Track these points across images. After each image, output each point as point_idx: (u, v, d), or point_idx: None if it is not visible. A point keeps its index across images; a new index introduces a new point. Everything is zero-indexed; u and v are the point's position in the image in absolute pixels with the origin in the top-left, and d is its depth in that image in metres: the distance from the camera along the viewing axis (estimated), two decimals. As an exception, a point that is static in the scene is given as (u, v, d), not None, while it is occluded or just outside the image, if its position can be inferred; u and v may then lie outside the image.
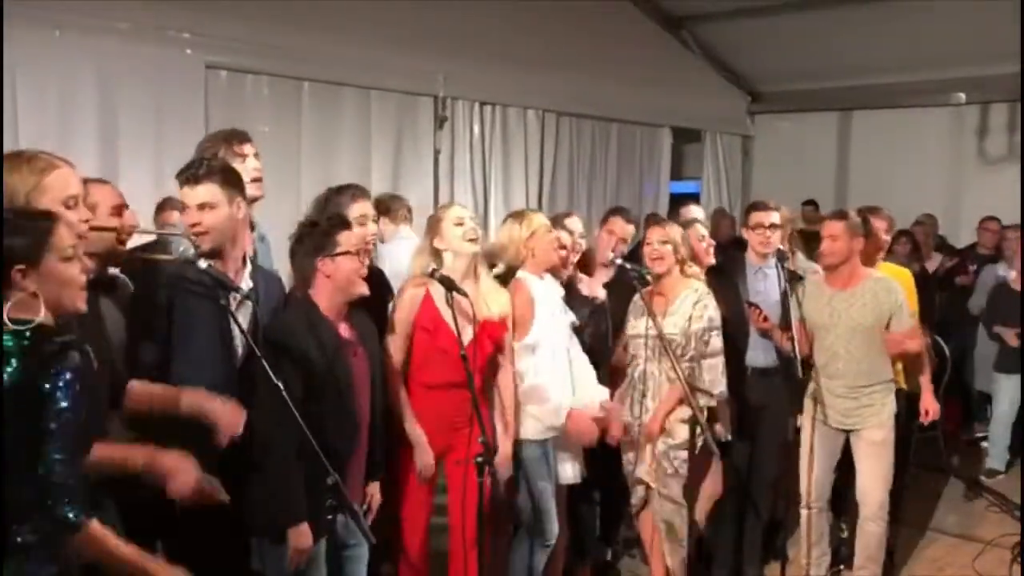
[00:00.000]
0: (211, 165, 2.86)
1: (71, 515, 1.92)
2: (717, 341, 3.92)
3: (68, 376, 1.91)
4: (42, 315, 2.00)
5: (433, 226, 3.56)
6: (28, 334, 1.94)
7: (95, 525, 1.96)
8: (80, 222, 2.29)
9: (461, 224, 3.49)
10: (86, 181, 3.02)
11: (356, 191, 3.57)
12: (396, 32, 6.28)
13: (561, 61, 7.25)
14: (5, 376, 1.90)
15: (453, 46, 6.64)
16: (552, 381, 3.67)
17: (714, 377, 3.90)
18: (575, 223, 4.21)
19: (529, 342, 3.65)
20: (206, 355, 2.79)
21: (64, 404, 1.90)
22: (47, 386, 1.90)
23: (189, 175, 2.83)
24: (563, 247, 3.95)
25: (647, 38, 8.17)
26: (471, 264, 3.52)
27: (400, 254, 3.83)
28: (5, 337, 1.93)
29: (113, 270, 2.95)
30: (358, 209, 3.47)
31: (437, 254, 3.50)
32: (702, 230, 4.48)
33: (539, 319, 3.67)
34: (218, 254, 2.85)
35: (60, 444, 1.91)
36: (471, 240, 3.49)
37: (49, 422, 1.89)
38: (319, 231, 3.02)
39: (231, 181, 2.87)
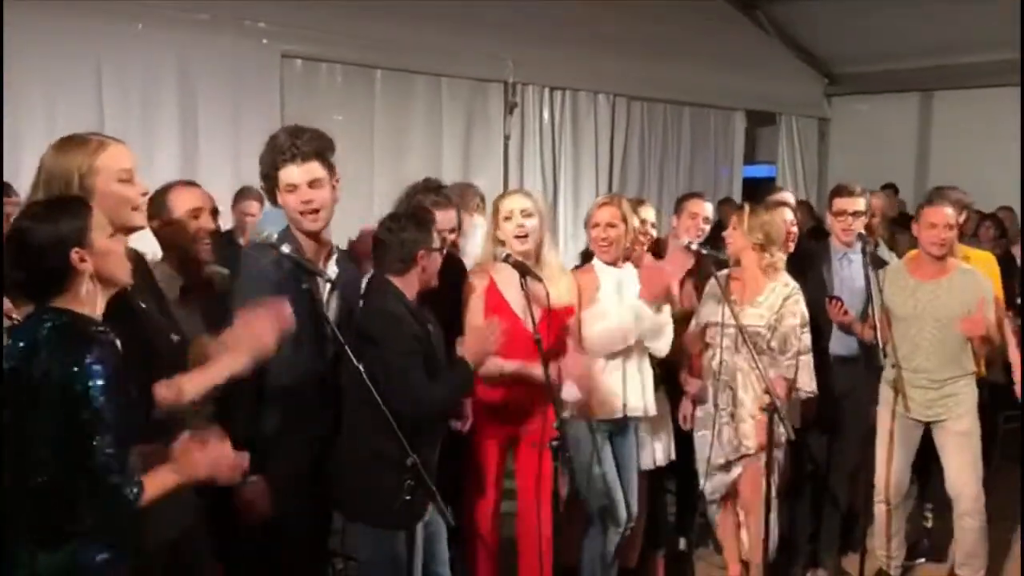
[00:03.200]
0: (312, 143, 2.87)
1: (130, 494, 1.93)
2: (807, 337, 3.85)
3: (99, 368, 1.91)
4: (89, 304, 2.01)
5: (493, 215, 3.57)
6: (60, 325, 1.95)
7: (149, 485, 1.96)
8: (138, 195, 2.30)
9: (509, 219, 3.47)
10: (171, 186, 3.11)
11: (439, 200, 3.55)
12: (466, 19, 6.31)
13: (632, 44, 7.19)
14: (39, 368, 1.91)
15: (522, 32, 6.64)
16: (606, 370, 3.64)
17: (806, 374, 3.84)
18: (648, 212, 4.15)
19: (587, 315, 3.64)
20: (301, 344, 2.81)
21: (102, 399, 1.90)
22: (78, 384, 1.89)
23: (295, 152, 2.83)
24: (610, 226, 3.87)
25: (720, 19, 8.04)
26: (529, 254, 3.49)
27: (477, 247, 3.86)
28: (40, 328, 1.94)
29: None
30: (442, 221, 3.48)
31: (500, 242, 3.48)
32: (788, 215, 4.31)
33: (601, 304, 3.65)
34: (316, 236, 2.89)
35: (109, 437, 1.91)
36: (519, 237, 3.45)
37: (92, 417, 1.90)
38: (424, 224, 3.05)
39: (329, 161, 2.91)
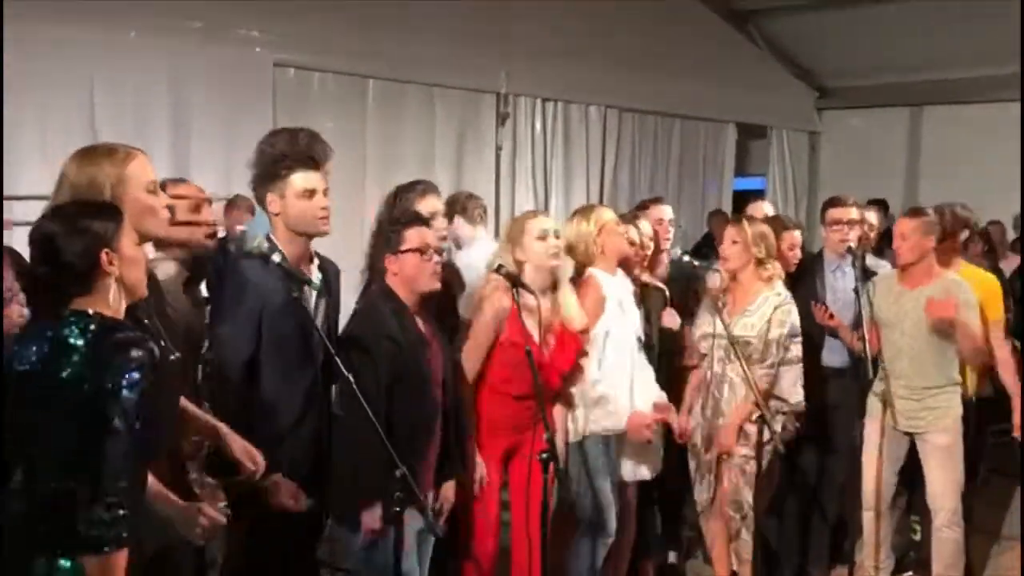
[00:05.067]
0: (319, 146, 2.93)
1: (117, 531, 1.86)
2: (797, 348, 3.84)
3: (135, 375, 1.88)
4: (113, 308, 1.99)
5: (515, 237, 3.47)
6: (93, 327, 1.93)
7: (120, 558, 1.89)
8: (163, 205, 2.32)
9: (544, 239, 3.42)
10: (165, 183, 3.15)
11: (425, 186, 3.57)
12: (459, 30, 6.33)
13: (624, 57, 7.22)
14: (67, 370, 1.88)
15: (515, 43, 6.66)
16: (614, 380, 3.65)
17: (791, 385, 3.83)
18: (645, 225, 4.15)
19: (594, 333, 3.62)
20: (293, 352, 2.82)
21: (134, 407, 1.87)
22: (110, 385, 1.86)
23: (316, 157, 2.86)
24: (632, 243, 3.91)
25: (712, 33, 8.09)
26: (551, 275, 3.48)
27: (479, 259, 3.83)
28: (69, 330, 1.92)
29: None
30: (427, 205, 3.46)
31: (518, 264, 3.43)
32: (798, 236, 4.37)
33: (608, 313, 3.64)
34: (305, 244, 2.90)
35: (125, 446, 1.87)
36: (554, 255, 3.42)
37: (119, 423, 1.86)
38: (388, 228, 3.05)
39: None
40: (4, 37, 4.07)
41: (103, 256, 1.97)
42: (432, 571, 3.22)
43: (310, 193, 2.83)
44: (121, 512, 1.87)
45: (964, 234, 4.38)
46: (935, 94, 8.29)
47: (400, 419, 2.89)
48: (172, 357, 2.32)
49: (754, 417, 3.64)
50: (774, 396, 3.81)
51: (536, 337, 3.23)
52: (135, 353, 1.90)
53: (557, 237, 3.46)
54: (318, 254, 3.04)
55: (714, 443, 3.84)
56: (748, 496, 3.79)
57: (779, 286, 3.89)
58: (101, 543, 1.86)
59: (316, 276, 2.96)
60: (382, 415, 2.69)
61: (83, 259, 1.96)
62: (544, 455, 3.03)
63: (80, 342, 1.90)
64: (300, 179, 2.83)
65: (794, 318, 3.84)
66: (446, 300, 3.48)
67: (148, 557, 2.06)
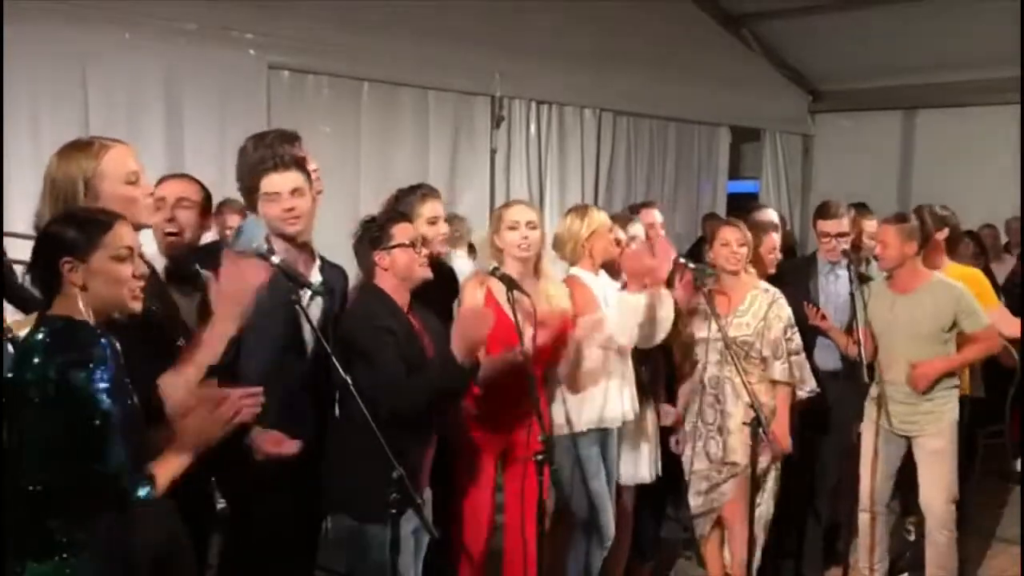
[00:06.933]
0: (292, 155, 2.95)
1: (142, 493, 1.93)
2: (798, 338, 3.91)
3: (101, 371, 1.89)
4: (81, 315, 1.99)
5: (495, 223, 3.55)
6: (55, 329, 1.93)
7: (160, 476, 1.97)
8: (145, 195, 2.32)
9: (515, 229, 3.47)
10: (165, 178, 3.17)
11: (426, 190, 3.59)
12: (454, 32, 6.32)
13: (618, 60, 7.22)
14: (29, 372, 1.89)
15: (510, 45, 6.65)
16: (599, 378, 3.64)
17: (803, 374, 3.88)
18: (637, 228, 4.15)
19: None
20: (277, 350, 2.83)
21: (109, 401, 1.89)
22: (82, 388, 1.87)
23: (278, 161, 2.90)
24: (619, 243, 3.91)
25: (706, 36, 8.09)
26: (528, 264, 3.51)
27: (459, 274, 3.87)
28: (35, 335, 1.93)
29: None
30: (429, 209, 3.48)
31: (499, 251, 3.50)
32: (777, 239, 4.40)
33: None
34: (297, 243, 2.91)
35: (119, 438, 1.90)
36: (521, 247, 3.45)
37: (102, 420, 1.88)
38: (374, 226, 3.07)
39: (307, 172, 2.96)
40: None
41: (61, 267, 1.97)
42: (425, 572, 3.22)
43: (275, 196, 2.88)
44: (138, 485, 1.93)
45: (943, 233, 4.39)
46: (928, 97, 8.30)
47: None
48: (179, 343, 2.32)
49: (749, 419, 3.64)
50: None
51: (527, 335, 3.22)
52: (100, 352, 1.91)
53: (533, 228, 3.47)
54: (324, 259, 3.06)
55: (731, 448, 3.83)
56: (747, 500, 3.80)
57: (764, 283, 3.93)
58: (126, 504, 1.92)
59: (316, 278, 2.97)
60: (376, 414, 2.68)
61: (44, 262, 1.99)
62: (540, 456, 3.03)
63: (44, 343, 1.91)
64: (266, 183, 2.90)
65: (788, 311, 3.90)
66: (446, 301, 3.49)
67: (149, 558, 2.06)
